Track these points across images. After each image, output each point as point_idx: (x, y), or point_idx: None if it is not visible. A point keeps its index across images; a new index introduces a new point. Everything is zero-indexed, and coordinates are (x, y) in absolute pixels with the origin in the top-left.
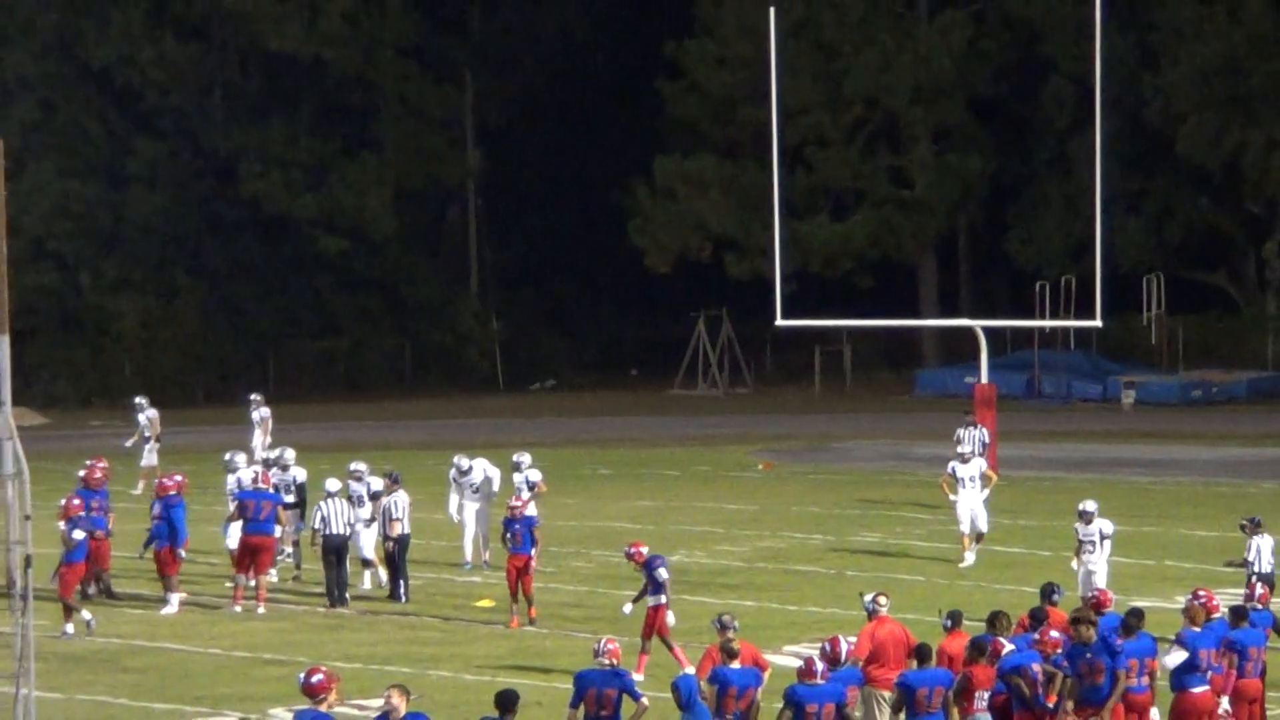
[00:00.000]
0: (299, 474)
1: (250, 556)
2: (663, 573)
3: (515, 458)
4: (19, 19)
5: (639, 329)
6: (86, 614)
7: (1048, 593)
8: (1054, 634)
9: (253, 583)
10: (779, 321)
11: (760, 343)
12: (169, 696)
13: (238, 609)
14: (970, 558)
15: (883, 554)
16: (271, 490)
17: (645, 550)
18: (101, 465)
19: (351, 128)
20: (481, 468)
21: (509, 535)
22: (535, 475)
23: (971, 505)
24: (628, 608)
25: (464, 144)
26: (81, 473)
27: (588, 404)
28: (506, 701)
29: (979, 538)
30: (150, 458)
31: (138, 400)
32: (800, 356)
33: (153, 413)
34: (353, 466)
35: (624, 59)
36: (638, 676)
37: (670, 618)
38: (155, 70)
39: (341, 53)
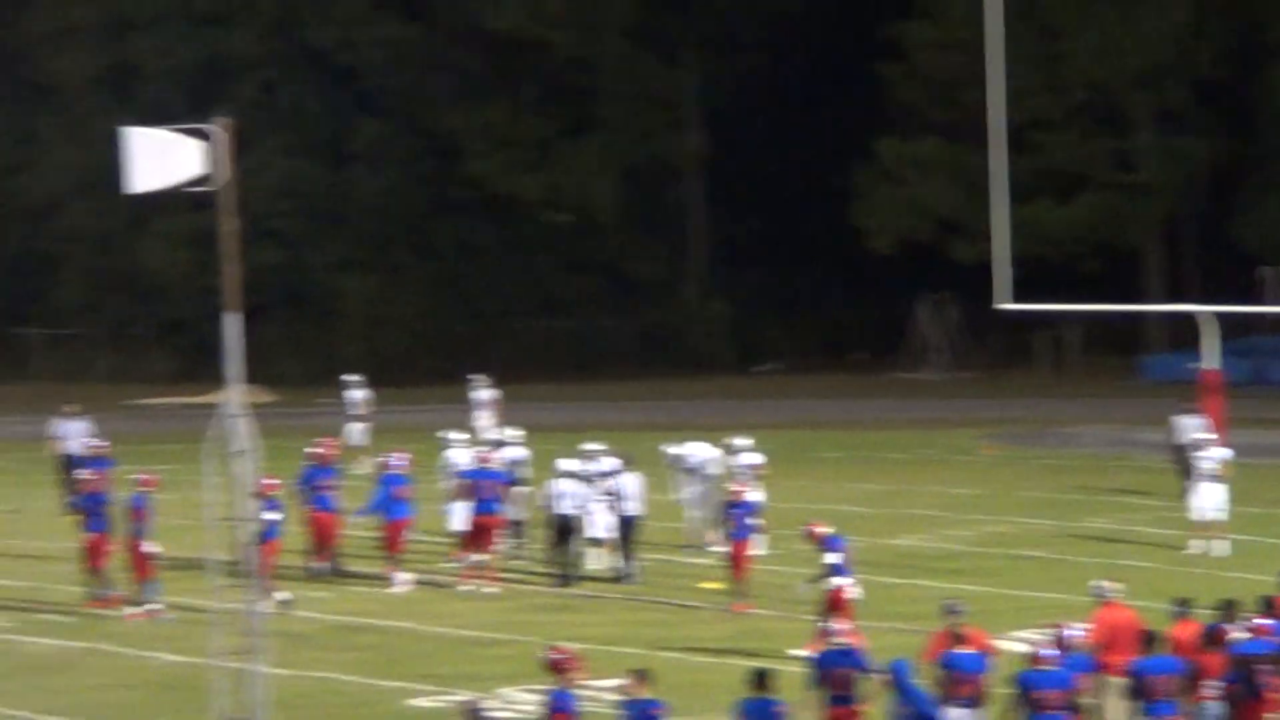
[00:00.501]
0: (522, 453)
1: (478, 536)
2: (828, 556)
3: (732, 442)
4: (242, 1)
5: (863, 311)
6: (286, 594)
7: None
8: (1261, 621)
9: (482, 560)
10: (1002, 305)
11: (984, 327)
12: (397, 674)
13: (466, 588)
14: (1199, 545)
15: (1109, 540)
16: (497, 469)
17: (822, 530)
18: (334, 443)
19: (574, 107)
20: (699, 450)
21: (728, 520)
22: (755, 458)
23: (1208, 494)
24: (803, 587)
25: (686, 124)
26: (317, 449)
27: (812, 386)
28: (765, 678)
29: (1216, 527)
30: (361, 437)
31: (350, 378)
32: (1024, 340)
33: (363, 392)
34: (586, 446)
35: (845, 40)
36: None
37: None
38: (376, 50)
39: (563, 33)
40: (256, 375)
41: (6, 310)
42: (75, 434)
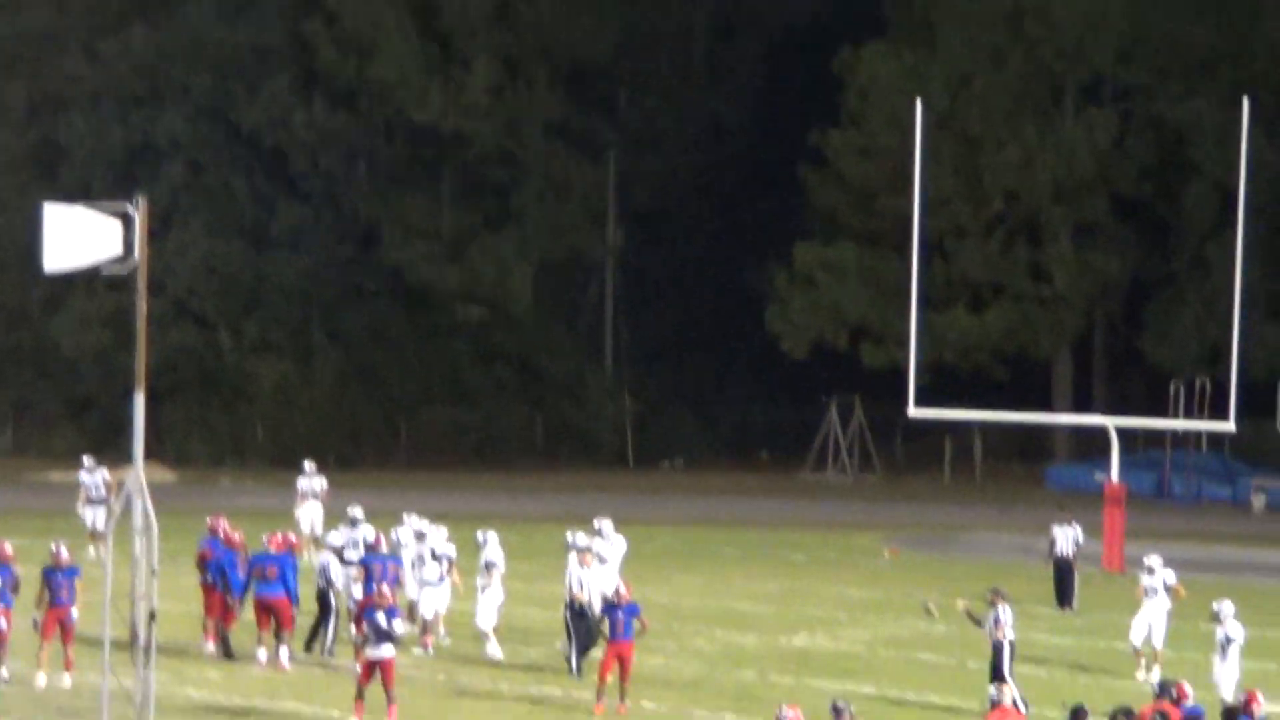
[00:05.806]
0: (368, 533)
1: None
2: None
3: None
4: (173, 82)
5: (771, 412)
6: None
7: (1165, 688)
8: None
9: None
10: (911, 411)
11: (891, 431)
12: None
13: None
14: (1148, 675)
15: None
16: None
17: None
18: (220, 520)
19: (493, 201)
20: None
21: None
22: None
23: (1151, 618)
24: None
25: (605, 220)
26: (216, 526)
27: (717, 484)
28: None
29: (1155, 656)
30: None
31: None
32: (931, 446)
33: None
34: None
35: (768, 145)
36: None
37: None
38: (304, 134)
39: (484, 126)
40: (162, 454)
41: None
42: None
